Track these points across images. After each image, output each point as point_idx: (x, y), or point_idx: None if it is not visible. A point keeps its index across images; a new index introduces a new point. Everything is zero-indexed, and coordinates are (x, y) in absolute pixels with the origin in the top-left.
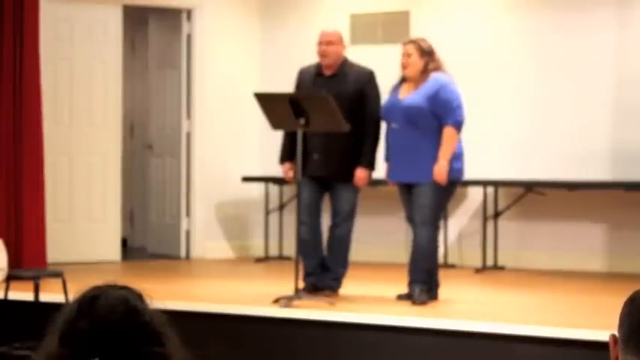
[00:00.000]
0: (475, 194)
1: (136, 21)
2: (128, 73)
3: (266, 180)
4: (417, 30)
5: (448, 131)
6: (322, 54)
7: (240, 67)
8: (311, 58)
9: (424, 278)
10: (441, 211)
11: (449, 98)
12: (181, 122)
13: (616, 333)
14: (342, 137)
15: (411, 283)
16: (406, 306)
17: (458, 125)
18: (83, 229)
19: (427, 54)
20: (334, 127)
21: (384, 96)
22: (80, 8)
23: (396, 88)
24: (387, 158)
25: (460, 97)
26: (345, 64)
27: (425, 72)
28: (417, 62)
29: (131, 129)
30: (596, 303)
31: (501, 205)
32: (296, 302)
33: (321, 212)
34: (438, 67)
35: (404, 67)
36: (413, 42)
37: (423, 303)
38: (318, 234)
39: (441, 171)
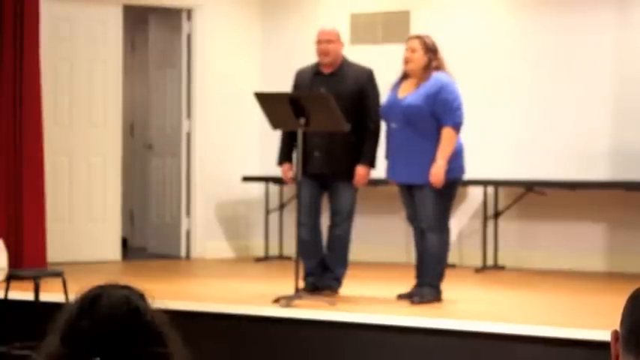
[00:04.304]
0: (475, 194)
1: (136, 21)
2: (128, 73)
3: (266, 180)
4: (417, 30)
5: (447, 132)
6: (323, 52)
7: (240, 67)
8: (311, 58)
9: (434, 281)
10: (446, 211)
11: (449, 99)
12: (181, 122)
13: (618, 329)
14: (343, 136)
15: (419, 285)
16: (406, 306)
17: (457, 126)
18: (83, 229)
19: (431, 51)
20: (334, 126)
21: (384, 94)
22: (80, 8)
23: (395, 86)
24: (387, 157)
25: (460, 98)
26: (344, 63)
27: (427, 69)
28: (420, 58)
29: (131, 129)
30: (597, 303)
31: (501, 205)
32: (296, 302)
33: (320, 212)
34: (440, 66)
35: (406, 61)
36: (418, 37)
37: (421, 303)
38: (318, 234)
39: (438, 172)
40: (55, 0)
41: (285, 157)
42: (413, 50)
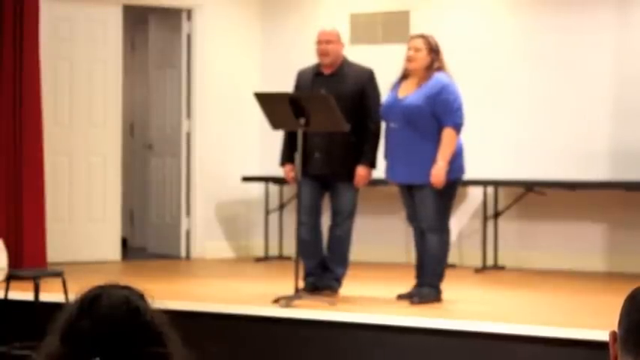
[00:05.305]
0: (475, 194)
1: (136, 21)
2: (128, 73)
3: (266, 180)
4: (417, 30)
5: (447, 133)
6: (322, 53)
7: (240, 67)
8: (311, 58)
9: (434, 281)
10: (446, 211)
11: (450, 99)
12: (181, 122)
13: (617, 330)
14: (344, 136)
15: (419, 285)
16: (406, 306)
17: (457, 127)
18: (83, 229)
19: (434, 52)
20: (334, 126)
21: (384, 94)
22: (80, 8)
23: (395, 86)
24: (386, 156)
25: (460, 98)
26: (344, 63)
27: (429, 69)
28: (424, 58)
29: (131, 129)
30: (597, 303)
31: (501, 205)
32: (296, 302)
33: (321, 212)
34: (441, 67)
35: (410, 60)
36: (422, 37)
37: (421, 303)
38: (318, 234)
39: (438, 173)
40: (55, 0)
41: (287, 157)
42: (417, 49)
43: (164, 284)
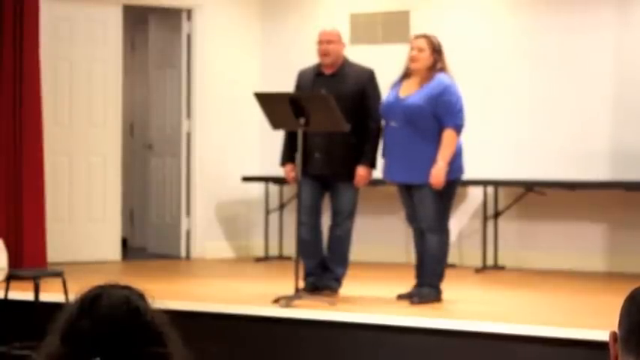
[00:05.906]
0: (475, 194)
1: (136, 21)
2: (128, 73)
3: (266, 180)
4: (417, 30)
5: (448, 134)
6: (323, 53)
7: (240, 67)
8: (311, 58)
9: (434, 281)
10: (446, 212)
11: (452, 100)
12: (181, 122)
13: (617, 330)
14: (344, 136)
15: (419, 285)
16: (406, 306)
17: (458, 128)
18: (83, 229)
19: (437, 52)
20: (334, 126)
21: (384, 94)
22: (80, 8)
23: (395, 85)
24: (384, 155)
25: (462, 99)
26: (345, 63)
27: (432, 69)
28: (427, 58)
29: (131, 129)
30: (597, 303)
31: (501, 205)
32: (296, 302)
33: (321, 212)
34: (443, 67)
35: (413, 60)
36: (426, 37)
37: (421, 303)
38: (318, 234)
39: (438, 173)
40: (55, 0)
41: (287, 157)
42: (420, 49)
43: (164, 284)
